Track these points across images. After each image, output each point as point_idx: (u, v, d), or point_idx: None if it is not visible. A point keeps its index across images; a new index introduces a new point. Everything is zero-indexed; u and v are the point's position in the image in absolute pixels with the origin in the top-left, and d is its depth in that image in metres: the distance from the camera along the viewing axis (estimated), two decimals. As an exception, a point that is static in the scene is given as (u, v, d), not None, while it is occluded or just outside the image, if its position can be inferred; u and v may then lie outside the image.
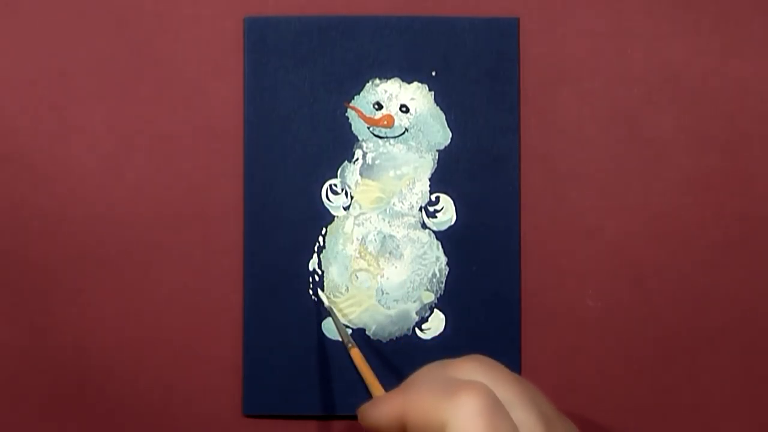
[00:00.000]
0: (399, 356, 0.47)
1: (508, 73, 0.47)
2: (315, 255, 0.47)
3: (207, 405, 0.47)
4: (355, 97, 0.47)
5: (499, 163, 0.47)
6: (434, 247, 0.47)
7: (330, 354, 0.47)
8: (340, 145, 0.47)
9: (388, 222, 0.47)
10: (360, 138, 0.47)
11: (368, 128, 0.47)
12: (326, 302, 0.47)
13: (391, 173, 0.47)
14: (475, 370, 0.41)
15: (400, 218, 0.47)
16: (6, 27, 0.47)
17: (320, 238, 0.47)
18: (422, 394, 0.40)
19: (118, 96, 0.47)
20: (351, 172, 0.47)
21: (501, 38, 0.47)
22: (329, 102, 0.47)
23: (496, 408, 0.39)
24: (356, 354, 0.45)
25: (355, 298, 0.47)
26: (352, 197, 0.47)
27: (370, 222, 0.47)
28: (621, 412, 0.48)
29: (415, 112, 0.47)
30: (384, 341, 0.47)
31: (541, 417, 0.40)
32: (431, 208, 0.47)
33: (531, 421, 0.40)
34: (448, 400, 0.39)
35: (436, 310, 0.47)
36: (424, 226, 0.47)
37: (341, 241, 0.47)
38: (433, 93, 0.47)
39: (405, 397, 0.41)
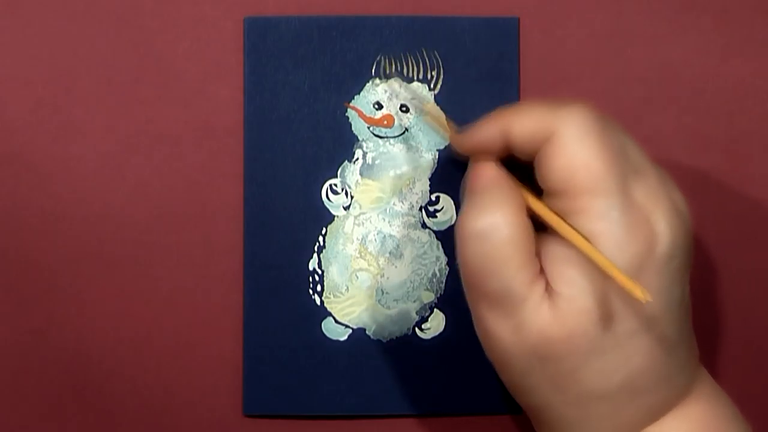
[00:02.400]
0: (399, 356, 0.47)
1: (508, 73, 0.47)
2: (315, 255, 0.47)
3: (207, 405, 0.47)
4: (355, 97, 0.47)
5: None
6: (434, 247, 0.47)
7: (330, 354, 0.47)
8: (340, 145, 0.47)
9: (388, 222, 0.47)
10: (360, 138, 0.47)
11: (368, 128, 0.47)
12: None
13: (391, 173, 0.47)
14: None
15: (400, 218, 0.47)
16: (6, 27, 0.47)
17: (320, 238, 0.47)
18: (530, 106, 0.39)
19: (118, 96, 0.47)
20: (351, 172, 0.47)
21: (501, 38, 0.47)
22: (329, 102, 0.47)
23: (606, 122, 0.38)
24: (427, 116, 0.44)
25: (355, 298, 0.47)
26: (352, 197, 0.47)
27: (370, 222, 0.47)
28: (621, 412, 0.48)
29: (415, 111, 0.47)
30: (384, 341, 0.47)
31: (645, 153, 0.39)
32: (431, 208, 0.47)
33: (637, 149, 0.39)
34: (558, 110, 0.38)
35: (436, 310, 0.47)
36: (424, 226, 0.47)
37: (341, 241, 0.47)
38: (433, 93, 0.47)
39: (509, 112, 0.39)
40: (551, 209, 0.39)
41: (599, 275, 0.37)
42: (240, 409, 0.47)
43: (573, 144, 0.38)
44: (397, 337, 0.47)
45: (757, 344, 0.48)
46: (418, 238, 0.47)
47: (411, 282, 0.47)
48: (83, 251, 0.47)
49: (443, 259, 0.47)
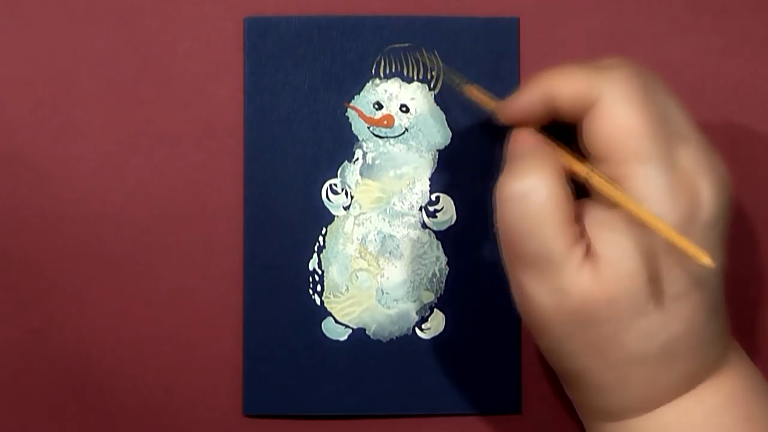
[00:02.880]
0: (399, 356, 0.47)
1: (508, 73, 0.47)
2: (315, 255, 0.47)
3: (207, 405, 0.47)
4: (355, 97, 0.47)
5: (500, 162, 0.47)
6: (434, 247, 0.47)
7: (330, 354, 0.47)
8: (340, 145, 0.47)
9: (388, 222, 0.47)
10: (360, 138, 0.47)
11: (368, 128, 0.47)
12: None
13: (391, 173, 0.47)
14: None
15: (400, 218, 0.47)
16: (6, 27, 0.47)
17: (320, 238, 0.47)
18: (573, 69, 0.39)
19: (118, 96, 0.47)
20: (351, 172, 0.47)
21: (501, 38, 0.47)
22: (329, 102, 0.47)
23: (652, 86, 0.38)
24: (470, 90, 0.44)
25: (355, 298, 0.47)
26: (352, 197, 0.47)
27: (370, 222, 0.47)
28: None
29: (415, 111, 0.47)
30: (384, 341, 0.47)
31: (691, 118, 0.39)
32: (431, 208, 0.47)
33: (683, 114, 0.39)
34: (602, 72, 0.38)
35: (436, 310, 0.47)
36: (424, 226, 0.47)
37: (341, 241, 0.47)
38: (433, 93, 0.47)
39: (552, 76, 0.39)
40: (603, 177, 0.39)
41: (643, 237, 0.37)
42: (240, 409, 0.47)
43: (617, 109, 0.38)
44: (397, 337, 0.47)
45: (757, 344, 0.48)
46: (418, 238, 0.47)
47: (411, 282, 0.47)
48: (83, 251, 0.47)
49: (443, 259, 0.47)
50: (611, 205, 0.38)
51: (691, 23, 0.48)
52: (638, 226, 0.37)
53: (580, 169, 0.39)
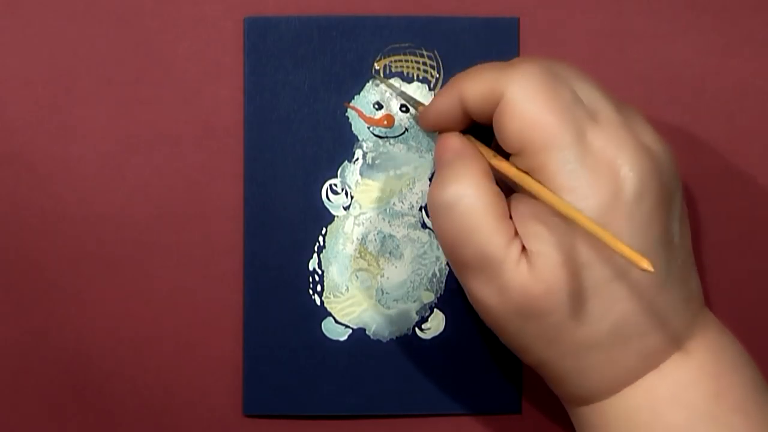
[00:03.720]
0: (399, 356, 0.47)
1: (508, 73, 0.47)
2: (315, 255, 0.47)
3: (207, 405, 0.47)
4: (355, 97, 0.47)
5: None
6: (434, 247, 0.47)
7: (330, 354, 0.47)
8: (340, 145, 0.47)
9: (388, 222, 0.47)
10: (360, 138, 0.47)
11: (368, 128, 0.47)
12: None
13: (391, 173, 0.47)
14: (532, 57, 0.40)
15: (400, 218, 0.47)
16: (6, 27, 0.47)
17: (320, 238, 0.47)
18: (479, 70, 0.40)
19: (118, 96, 0.47)
20: (351, 172, 0.47)
21: (501, 38, 0.47)
22: (329, 102, 0.47)
23: (555, 76, 0.38)
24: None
25: (355, 298, 0.47)
26: (352, 197, 0.47)
27: (370, 222, 0.47)
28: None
29: (416, 111, 0.47)
30: (384, 341, 0.47)
31: (608, 95, 0.39)
32: (431, 208, 0.47)
33: (595, 95, 0.39)
34: (505, 70, 0.39)
35: (436, 310, 0.47)
36: (424, 225, 0.47)
37: (341, 241, 0.47)
38: (433, 93, 0.47)
39: (461, 78, 0.40)
40: (521, 170, 0.39)
41: (566, 227, 0.38)
42: (240, 409, 0.47)
43: (522, 103, 0.38)
44: (397, 337, 0.47)
45: (757, 344, 0.48)
46: (418, 238, 0.47)
47: (411, 282, 0.47)
48: (83, 251, 0.47)
49: (443, 259, 0.47)
50: (535, 197, 0.38)
51: (691, 23, 0.48)
52: (561, 215, 0.37)
53: (507, 168, 0.39)
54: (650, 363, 0.39)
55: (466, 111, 0.41)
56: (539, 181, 0.38)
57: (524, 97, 0.38)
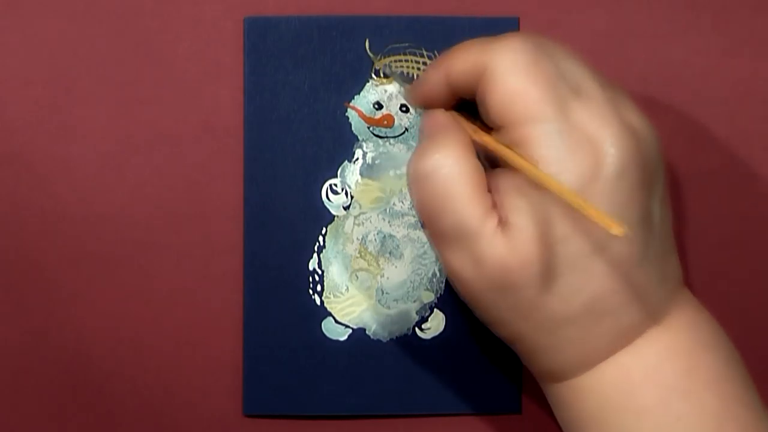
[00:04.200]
0: (399, 356, 0.47)
1: (508, 73, 0.47)
2: (315, 255, 0.47)
3: (207, 405, 0.47)
4: (355, 97, 0.47)
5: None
6: (434, 247, 0.47)
7: (330, 354, 0.47)
8: (340, 145, 0.47)
9: (388, 222, 0.47)
10: (360, 138, 0.47)
11: (368, 128, 0.47)
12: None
13: (391, 173, 0.47)
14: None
15: (400, 218, 0.47)
16: (6, 27, 0.47)
17: (320, 238, 0.47)
18: (465, 45, 0.40)
19: (118, 96, 0.47)
20: (351, 171, 0.47)
21: (501, 38, 0.47)
22: (329, 102, 0.47)
23: (540, 50, 0.38)
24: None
25: (355, 298, 0.47)
26: (352, 197, 0.47)
27: (370, 222, 0.47)
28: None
29: (416, 111, 0.47)
30: (384, 341, 0.47)
31: (595, 72, 0.39)
32: (431, 208, 0.47)
33: (581, 71, 0.39)
34: (490, 44, 0.39)
35: (436, 309, 0.47)
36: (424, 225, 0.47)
37: (341, 241, 0.47)
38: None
39: (448, 55, 0.40)
40: (503, 144, 0.39)
41: (550, 200, 0.38)
42: (240, 409, 0.47)
43: (505, 75, 0.38)
44: (397, 337, 0.47)
45: (757, 344, 0.48)
46: (418, 238, 0.47)
47: (411, 282, 0.47)
48: (83, 251, 0.47)
49: (443, 259, 0.47)
50: (518, 171, 0.38)
51: (691, 23, 0.48)
52: (542, 188, 0.37)
53: (488, 141, 0.39)
54: (624, 339, 0.39)
55: (452, 86, 0.41)
56: (519, 154, 0.38)
57: (508, 70, 0.38)
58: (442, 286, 0.47)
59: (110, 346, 0.47)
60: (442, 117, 0.41)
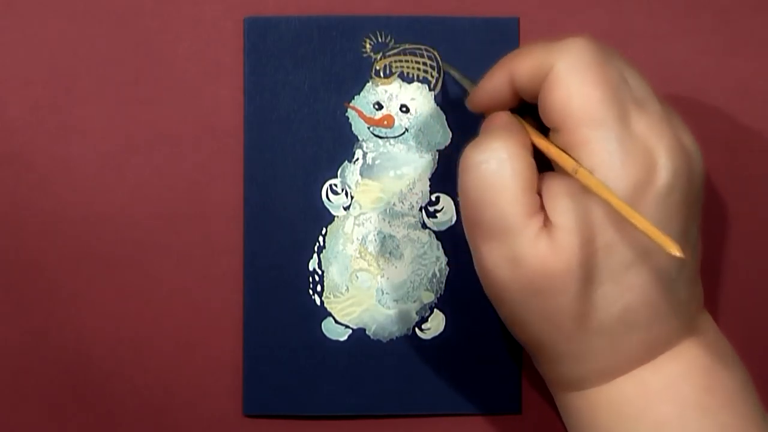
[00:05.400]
0: (399, 356, 0.47)
1: (508, 73, 0.47)
2: (315, 255, 0.47)
3: (207, 405, 0.47)
4: (355, 97, 0.47)
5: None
6: (434, 247, 0.47)
7: (330, 354, 0.47)
8: (340, 145, 0.47)
9: (388, 222, 0.47)
10: (360, 138, 0.47)
11: (368, 128, 0.47)
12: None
13: (392, 173, 0.47)
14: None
15: (400, 218, 0.47)
16: (6, 27, 0.47)
17: (320, 238, 0.47)
18: (529, 46, 0.40)
19: (118, 96, 0.47)
20: (351, 172, 0.47)
21: (501, 38, 0.47)
22: (329, 102, 0.47)
23: (606, 55, 0.38)
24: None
25: (355, 298, 0.47)
26: (352, 197, 0.47)
27: (370, 222, 0.47)
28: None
29: (416, 112, 0.47)
30: (384, 341, 0.47)
31: (654, 90, 0.39)
32: (431, 208, 0.47)
33: (642, 83, 0.39)
34: (555, 45, 0.38)
35: (436, 310, 0.47)
36: (424, 226, 0.47)
37: (341, 241, 0.47)
38: (433, 93, 0.47)
39: (511, 56, 0.40)
40: (560, 148, 0.39)
41: (598, 206, 0.38)
42: (240, 409, 0.47)
43: (568, 77, 0.38)
44: (397, 337, 0.47)
45: (757, 344, 0.48)
46: (418, 238, 0.47)
47: (411, 282, 0.47)
48: (83, 251, 0.47)
49: (443, 259, 0.47)
50: (569, 176, 0.38)
51: (691, 23, 0.48)
52: (593, 195, 0.37)
53: (546, 144, 0.39)
54: (649, 354, 0.39)
55: (515, 88, 0.40)
56: (575, 158, 0.38)
57: (573, 70, 0.38)
58: (442, 286, 0.47)
59: (110, 346, 0.47)
60: (505, 116, 0.41)
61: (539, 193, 0.39)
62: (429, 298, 0.47)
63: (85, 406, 0.47)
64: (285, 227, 0.47)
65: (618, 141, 0.37)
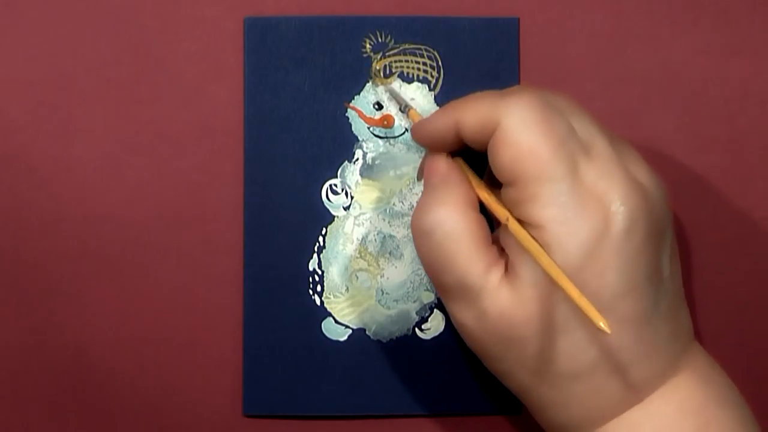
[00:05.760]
0: (399, 356, 0.47)
1: (508, 73, 0.47)
2: (315, 255, 0.47)
3: (207, 405, 0.47)
4: (355, 98, 0.47)
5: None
6: (434, 247, 0.47)
7: (330, 354, 0.47)
8: (340, 145, 0.47)
9: (388, 222, 0.47)
10: (360, 138, 0.47)
11: (368, 128, 0.47)
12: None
13: (391, 173, 0.47)
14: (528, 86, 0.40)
15: (400, 218, 0.47)
16: (6, 27, 0.47)
17: (320, 238, 0.47)
18: (477, 98, 0.40)
19: (118, 96, 0.47)
20: (351, 172, 0.47)
21: (501, 38, 0.47)
22: (329, 102, 0.47)
23: (551, 107, 0.38)
24: (413, 114, 0.45)
25: (355, 298, 0.47)
26: (352, 197, 0.47)
27: (370, 222, 0.47)
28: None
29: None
30: (384, 341, 0.47)
31: (603, 129, 0.39)
32: (431, 208, 0.47)
33: (589, 128, 0.39)
34: (502, 99, 0.39)
35: (436, 310, 0.47)
36: (424, 226, 0.47)
37: (341, 241, 0.47)
38: (433, 93, 0.47)
39: (459, 104, 0.40)
40: (506, 201, 0.39)
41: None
42: (240, 409, 0.47)
43: (516, 133, 0.38)
44: (397, 337, 0.47)
45: (756, 345, 0.48)
46: (418, 238, 0.47)
47: (411, 282, 0.47)
48: (83, 251, 0.47)
49: (443, 259, 0.47)
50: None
51: (691, 23, 0.48)
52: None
53: (488, 198, 0.40)
54: (635, 397, 0.39)
55: (460, 136, 0.40)
56: (521, 220, 0.38)
57: (520, 127, 0.38)
58: (442, 286, 0.47)
59: (110, 346, 0.47)
60: (445, 166, 0.41)
61: (501, 245, 0.39)
62: (429, 298, 0.47)
63: (85, 406, 0.47)
64: (285, 227, 0.47)
65: (569, 194, 0.37)
